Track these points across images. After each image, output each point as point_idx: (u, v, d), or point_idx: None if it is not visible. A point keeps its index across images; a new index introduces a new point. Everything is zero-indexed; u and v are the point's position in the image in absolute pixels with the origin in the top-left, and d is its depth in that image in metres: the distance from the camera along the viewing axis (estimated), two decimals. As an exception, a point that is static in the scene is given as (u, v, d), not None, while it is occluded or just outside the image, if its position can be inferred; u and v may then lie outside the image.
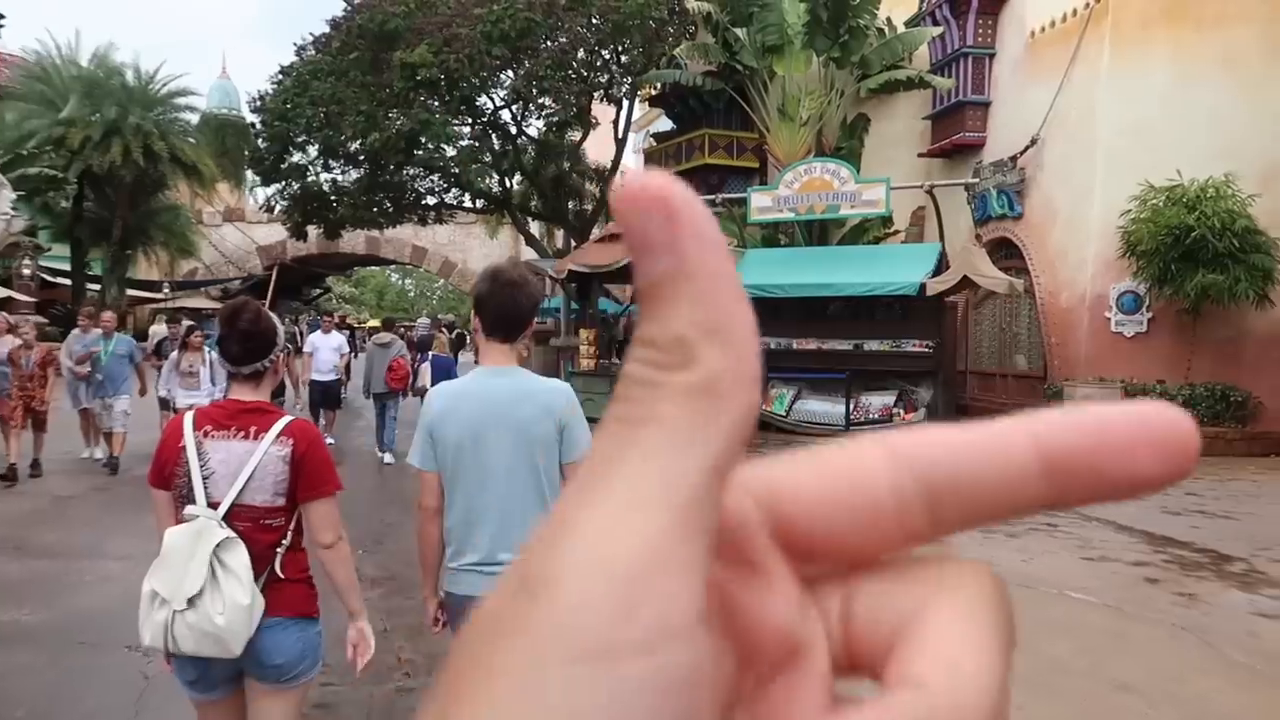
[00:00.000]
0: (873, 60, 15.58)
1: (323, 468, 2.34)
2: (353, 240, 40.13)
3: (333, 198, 20.41)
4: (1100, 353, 13.06)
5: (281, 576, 2.28)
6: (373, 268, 70.25)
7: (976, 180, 14.80)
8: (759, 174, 18.58)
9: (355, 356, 16.07)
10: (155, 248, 30.64)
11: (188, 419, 2.33)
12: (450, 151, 17.93)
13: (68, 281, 27.72)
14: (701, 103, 19.91)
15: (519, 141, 21.71)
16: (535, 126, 22.67)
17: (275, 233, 39.27)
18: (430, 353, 11.80)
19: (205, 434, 2.28)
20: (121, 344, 9.28)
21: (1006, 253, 15.38)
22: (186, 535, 2.19)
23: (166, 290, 32.86)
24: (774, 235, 16.40)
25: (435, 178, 20.37)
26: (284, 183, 17.21)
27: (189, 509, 2.23)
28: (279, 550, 2.28)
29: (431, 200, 21.78)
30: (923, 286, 12.36)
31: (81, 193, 27.17)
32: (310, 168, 17.80)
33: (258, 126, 16.63)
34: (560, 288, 22.78)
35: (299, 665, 2.32)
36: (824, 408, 13.47)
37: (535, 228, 25.33)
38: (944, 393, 13.30)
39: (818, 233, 16.32)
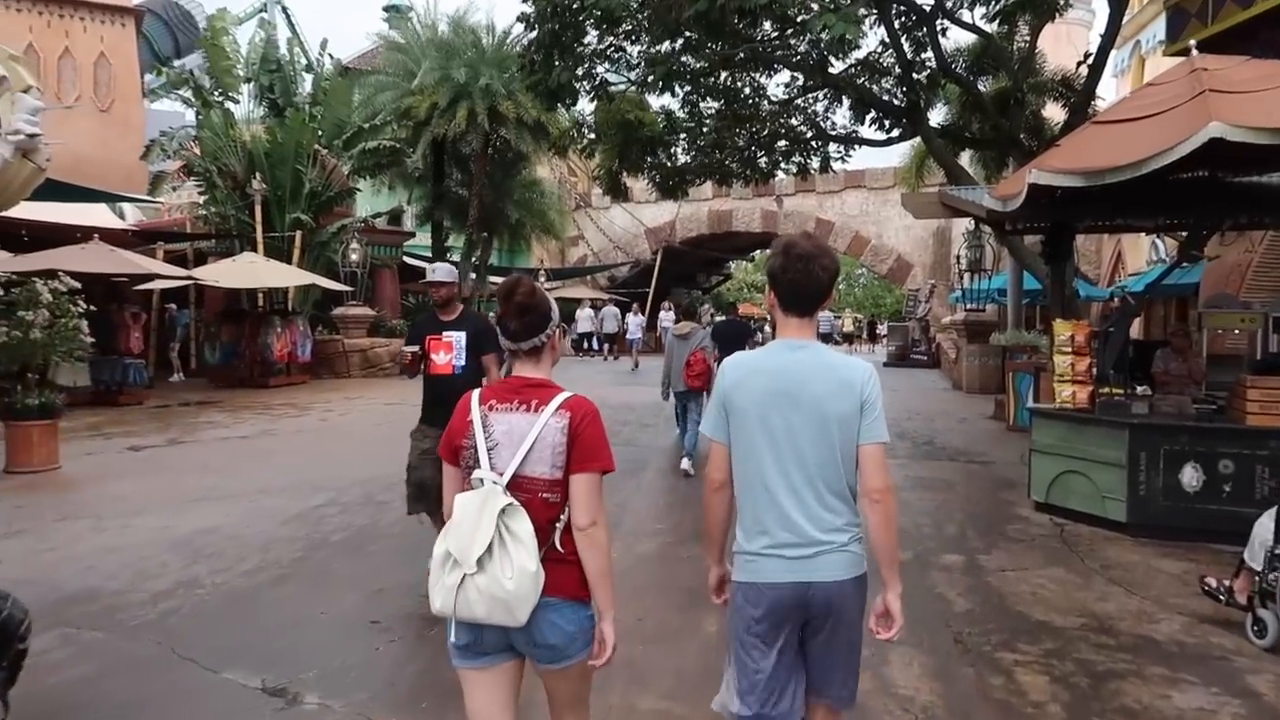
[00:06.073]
0: None
1: (596, 443, 2.28)
2: (747, 215, 34.57)
3: (667, 134, 14.29)
4: None
5: (561, 551, 2.27)
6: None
7: None
8: None
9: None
10: (525, 230, 27.32)
11: (475, 395, 2.38)
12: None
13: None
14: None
15: (942, 38, 13.85)
16: (970, 17, 14.64)
17: (664, 213, 35.02)
18: None
19: (490, 408, 2.33)
20: None
21: None
22: (474, 500, 2.23)
23: (543, 279, 29.69)
24: None
25: (802, 83, 13.33)
26: (564, 102, 11.39)
27: (476, 474, 2.27)
28: (557, 525, 2.28)
29: (805, 129, 14.77)
30: None
31: (441, 169, 24.45)
32: (608, 77, 11.74)
33: (529, 16, 10.99)
34: (995, 239, 14.64)
35: (571, 647, 2.28)
36: None
37: (968, 161, 17.17)
38: None
39: None
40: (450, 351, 5.06)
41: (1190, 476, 6.28)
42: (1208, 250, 12.10)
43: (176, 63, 25.24)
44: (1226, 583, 4.59)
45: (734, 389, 2.41)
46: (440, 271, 5.25)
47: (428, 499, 4.98)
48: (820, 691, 2.44)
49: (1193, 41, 7.16)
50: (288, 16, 34.10)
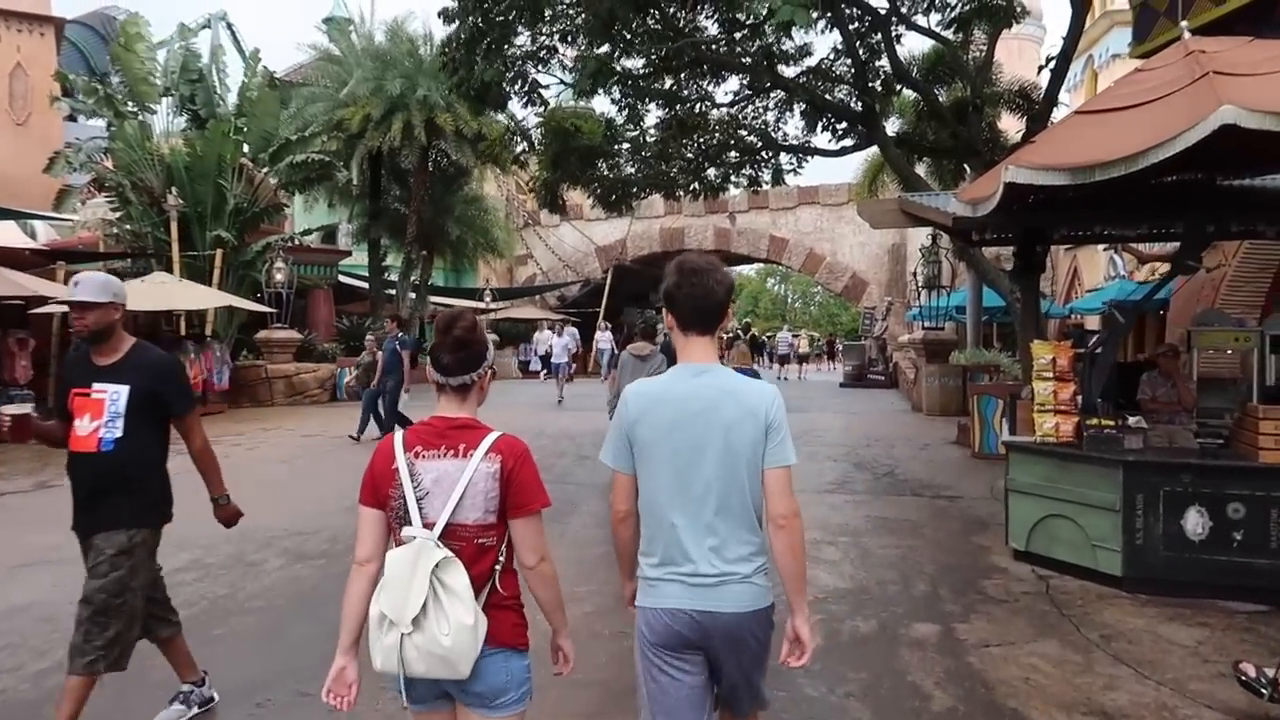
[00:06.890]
0: None
1: (531, 485, 2.22)
2: (699, 233, 33.79)
3: (609, 144, 13.33)
4: None
5: (502, 593, 2.20)
6: (743, 270, 63.11)
7: None
8: None
9: None
10: (469, 249, 26.13)
11: (398, 439, 2.25)
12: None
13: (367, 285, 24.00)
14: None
15: (897, 43, 13.11)
16: (925, 23, 13.93)
17: (615, 231, 34.12)
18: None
19: (416, 455, 2.20)
20: None
21: None
22: (406, 556, 2.12)
23: (487, 299, 28.55)
24: None
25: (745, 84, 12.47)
26: (492, 104, 10.37)
27: (406, 530, 2.17)
28: (496, 568, 2.19)
29: (756, 140, 13.91)
30: None
31: (378, 185, 23.28)
32: (539, 79, 10.78)
33: (450, 10, 9.98)
34: (954, 253, 13.98)
35: (502, 695, 2.20)
36: None
37: (924, 174, 16.42)
38: None
39: None
40: (98, 415, 3.25)
41: (1194, 522, 5.39)
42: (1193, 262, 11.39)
43: (114, 79, 23.84)
44: (1270, 673, 3.67)
45: (639, 419, 2.32)
46: (84, 287, 3.21)
47: (120, 643, 3.40)
48: (728, 706, 2.44)
49: (1184, 23, 6.34)
50: (231, 31, 32.73)
